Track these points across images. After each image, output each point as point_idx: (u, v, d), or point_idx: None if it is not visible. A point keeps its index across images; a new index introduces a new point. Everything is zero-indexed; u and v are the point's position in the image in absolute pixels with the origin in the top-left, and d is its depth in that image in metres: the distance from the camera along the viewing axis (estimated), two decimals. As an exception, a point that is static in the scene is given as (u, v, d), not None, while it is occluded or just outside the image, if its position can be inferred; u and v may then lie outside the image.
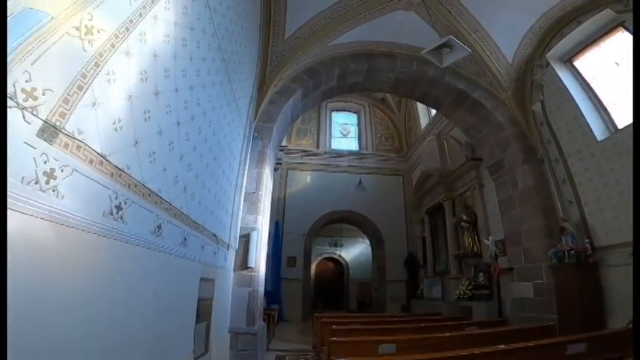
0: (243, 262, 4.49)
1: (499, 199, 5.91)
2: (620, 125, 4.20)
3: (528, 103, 5.45)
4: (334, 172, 11.25)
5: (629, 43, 4.11)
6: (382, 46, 5.58)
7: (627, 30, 4.15)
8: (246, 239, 4.60)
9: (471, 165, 7.21)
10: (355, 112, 13.27)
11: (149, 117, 2.11)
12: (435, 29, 3.98)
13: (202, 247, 3.20)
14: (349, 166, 11.44)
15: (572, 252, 4.08)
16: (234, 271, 4.42)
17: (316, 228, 10.62)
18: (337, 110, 13.12)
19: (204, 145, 3.12)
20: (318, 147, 11.76)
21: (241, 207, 4.73)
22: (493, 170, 6.08)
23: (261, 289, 5.17)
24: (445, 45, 2.92)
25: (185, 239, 2.74)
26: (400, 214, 10.84)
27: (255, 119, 5.44)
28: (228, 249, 4.17)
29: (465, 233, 7.21)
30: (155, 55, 2.18)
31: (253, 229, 4.79)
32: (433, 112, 9.94)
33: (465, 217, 7.25)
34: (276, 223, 9.41)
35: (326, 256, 15.32)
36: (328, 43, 5.23)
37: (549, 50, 4.97)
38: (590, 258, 4.07)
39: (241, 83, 4.33)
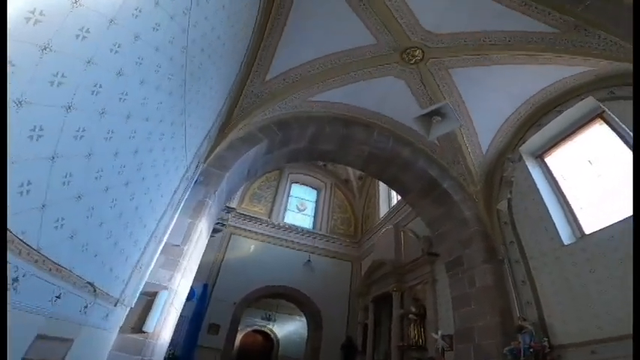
0: (137, 325, 3.47)
1: (453, 295, 5.59)
2: (588, 231, 4.18)
3: (494, 201, 5.37)
4: (282, 246, 10.76)
5: (607, 137, 4.24)
6: (363, 113, 5.40)
7: (606, 122, 4.30)
8: (150, 298, 3.58)
9: (427, 259, 7.12)
10: (316, 189, 13.09)
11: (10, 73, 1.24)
12: (419, 101, 3.83)
13: (58, 297, 2.04)
14: (299, 243, 11.02)
15: (531, 350, 4.05)
16: (119, 332, 3.35)
17: (250, 299, 9.75)
18: (298, 183, 12.91)
19: (111, 160, 2.15)
20: (270, 217, 11.28)
21: (155, 259, 3.59)
22: (450, 267, 5.82)
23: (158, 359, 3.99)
24: (438, 112, 2.63)
25: (16, 280, 1.57)
26: (344, 299, 10.53)
27: (204, 161, 4.58)
28: (115, 305, 3.02)
29: (412, 325, 7.01)
30: (75, 1, 1.45)
31: (164, 288, 3.72)
32: (394, 202, 10.16)
33: (413, 310, 7.07)
34: (205, 285, 8.66)
35: (256, 328, 14.24)
36: (309, 98, 4.88)
37: (524, 142, 5.05)
38: (547, 356, 3.98)
39: (200, 110, 3.60)
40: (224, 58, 3.44)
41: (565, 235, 4.32)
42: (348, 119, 5.57)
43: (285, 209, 11.90)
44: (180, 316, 6.20)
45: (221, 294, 9.09)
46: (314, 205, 12.76)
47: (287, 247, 10.77)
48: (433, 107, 2.67)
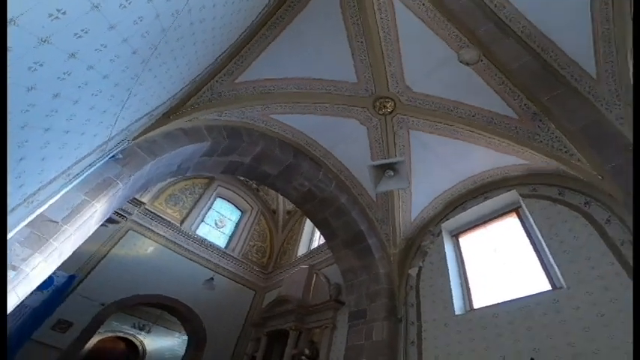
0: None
1: (348, 345, 5.58)
2: (476, 306, 4.72)
3: (408, 266, 5.73)
4: (185, 257, 9.85)
5: (516, 231, 4.79)
6: (317, 149, 5.42)
7: (519, 217, 4.87)
8: (-19, 275, 2.72)
9: (332, 305, 7.24)
10: (241, 210, 12.50)
11: None
12: (373, 153, 3.91)
13: None
14: (206, 259, 10.24)
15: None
16: None
17: (125, 304, 8.38)
18: (224, 198, 12.18)
19: (21, 94, 1.70)
20: (182, 224, 10.28)
21: (16, 230, 2.82)
22: (353, 317, 5.92)
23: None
24: (392, 166, 2.78)
25: None
26: (236, 327, 9.89)
27: (133, 139, 4.00)
28: None
29: (301, 367, 6.82)
30: None
31: (13, 268, 2.90)
32: (315, 245, 10.33)
33: (306, 352, 6.96)
34: (71, 277, 7.30)
35: (121, 335, 12.17)
36: (270, 114, 4.75)
37: (447, 220, 5.52)
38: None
39: (154, 85, 3.17)
40: (206, 43, 3.20)
41: (458, 306, 4.79)
42: (301, 150, 5.57)
43: (202, 221, 11.02)
44: (23, 304, 4.92)
45: (89, 291, 7.70)
46: (234, 225, 12.07)
47: (191, 259, 9.87)
48: (391, 160, 2.84)
